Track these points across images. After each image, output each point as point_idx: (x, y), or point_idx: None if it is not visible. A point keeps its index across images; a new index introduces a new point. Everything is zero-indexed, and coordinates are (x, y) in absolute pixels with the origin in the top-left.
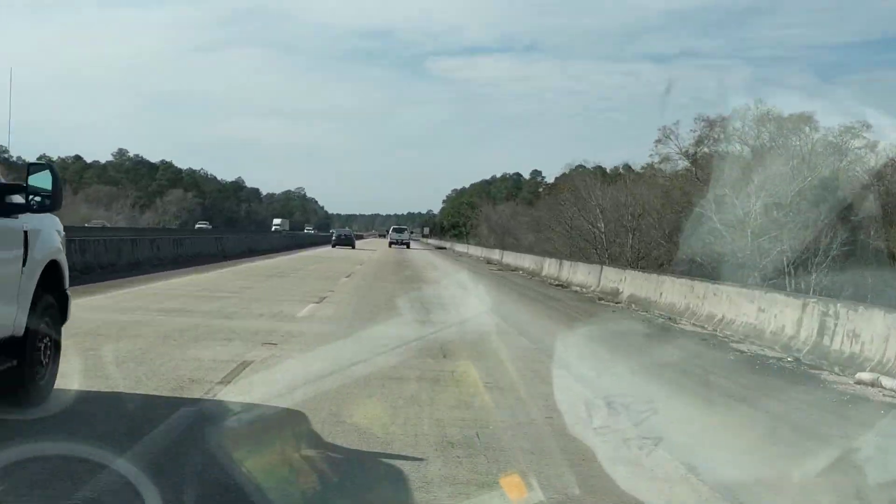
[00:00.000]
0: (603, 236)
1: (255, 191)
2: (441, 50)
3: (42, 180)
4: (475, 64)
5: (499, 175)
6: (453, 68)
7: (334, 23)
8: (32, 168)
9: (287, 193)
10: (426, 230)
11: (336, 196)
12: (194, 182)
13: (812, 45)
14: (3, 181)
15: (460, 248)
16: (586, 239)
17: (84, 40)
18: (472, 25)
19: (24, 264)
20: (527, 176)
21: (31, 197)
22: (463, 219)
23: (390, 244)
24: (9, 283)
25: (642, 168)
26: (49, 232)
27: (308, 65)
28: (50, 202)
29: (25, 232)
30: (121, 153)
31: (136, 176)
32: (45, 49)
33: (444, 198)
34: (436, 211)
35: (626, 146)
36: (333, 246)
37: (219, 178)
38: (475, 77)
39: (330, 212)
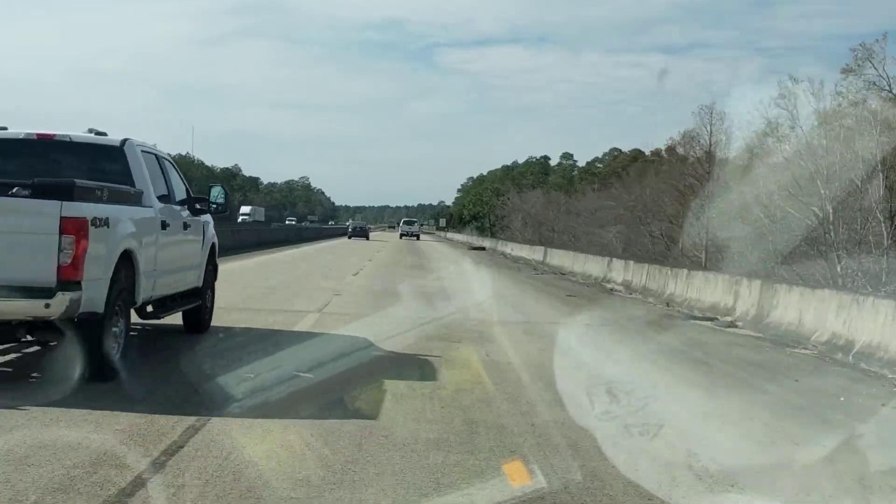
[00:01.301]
0: (831, 228)
1: (254, 179)
2: (452, 41)
3: (217, 194)
4: (486, 55)
5: (522, 159)
6: (464, 60)
7: (344, 14)
8: (212, 186)
9: (290, 183)
10: (442, 222)
11: (344, 187)
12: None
13: (825, 35)
14: (192, 195)
15: (519, 251)
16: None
17: (95, 32)
18: (482, 17)
19: (202, 245)
20: (556, 160)
21: (210, 205)
22: (487, 208)
23: (401, 236)
24: (197, 254)
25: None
26: (211, 226)
27: (318, 56)
28: (222, 208)
29: (204, 225)
30: None
31: None
32: (57, 40)
33: (459, 186)
34: (448, 202)
35: (640, 134)
36: (349, 237)
37: (213, 164)
38: (486, 68)
39: (337, 203)
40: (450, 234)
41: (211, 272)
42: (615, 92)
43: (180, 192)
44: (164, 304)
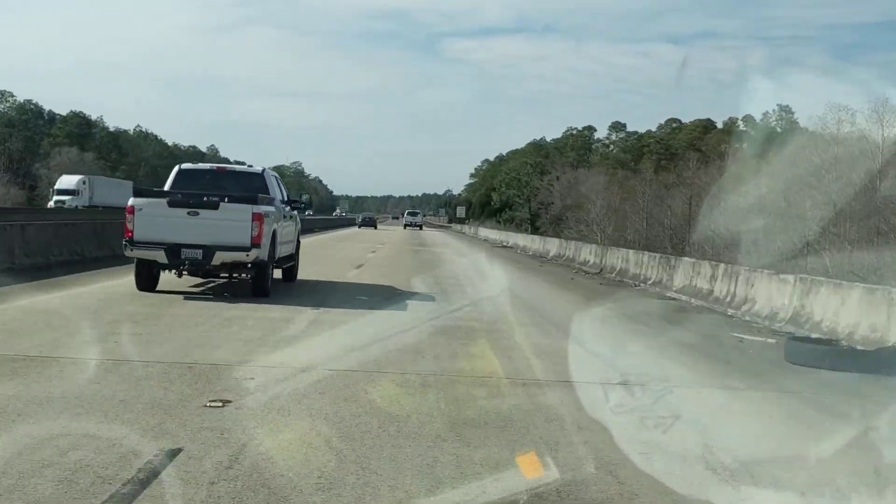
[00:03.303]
0: None
1: (225, 161)
2: (457, 31)
3: (305, 198)
4: (491, 45)
5: (556, 135)
6: (469, 49)
7: (349, 3)
8: (302, 193)
9: (279, 168)
10: (460, 211)
11: (346, 176)
12: (113, 141)
13: (831, 24)
14: (290, 198)
15: None
16: None
17: (100, 23)
18: (487, 6)
19: (295, 228)
20: (603, 133)
21: (300, 204)
22: (527, 191)
23: (405, 226)
24: (293, 234)
25: None
26: (298, 217)
27: (323, 46)
28: (308, 207)
29: (296, 216)
30: (2, 96)
31: (28, 130)
32: (64, 31)
33: (472, 171)
34: (455, 191)
35: (646, 123)
36: (359, 227)
37: (175, 143)
38: (491, 58)
39: (337, 193)
40: (483, 230)
41: (297, 245)
42: (620, 82)
43: (284, 195)
44: (280, 262)
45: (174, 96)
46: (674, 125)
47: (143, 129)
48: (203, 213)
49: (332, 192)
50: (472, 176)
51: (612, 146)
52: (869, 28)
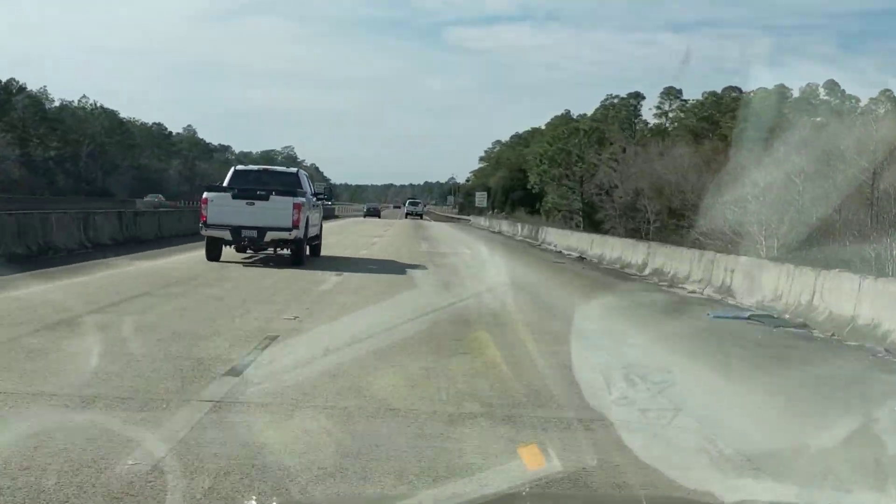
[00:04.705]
0: None
1: (204, 144)
2: (460, 19)
3: (327, 191)
4: (494, 33)
5: (584, 109)
6: (472, 38)
7: None
8: (325, 186)
9: (269, 153)
10: (480, 199)
11: (346, 165)
12: (42, 114)
13: (836, 12)
14: (316, 191)
15: None
16: None
17: (104, 9)
18: None
19: (320, 214)
20: (652, 100)
21: (323, 195)
22: (580, 170)
23: (406, 215)
24: (318, 219)
25: None
26: (322, 206)
27: (324, 33)
28: (329, 197)
29: (321, 205)
30: None
31: None
32: (68, 17)
33: (482, 154)
34: (459, 179)
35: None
36: (364, 216)
37: (135, 117)
38: (494, 47)
39: (337, 181)
40: (552, 232)
41: (320, 228)
42: (625, 70)
43: (312, 189)
44: (309, 241)
45: (171, 83)
46: (733, 94)
47: (95, 102)
48: (257, 203)
49: (329, 179)
50: (481, 160)
51: (665, 116)
52: (873, 16)
